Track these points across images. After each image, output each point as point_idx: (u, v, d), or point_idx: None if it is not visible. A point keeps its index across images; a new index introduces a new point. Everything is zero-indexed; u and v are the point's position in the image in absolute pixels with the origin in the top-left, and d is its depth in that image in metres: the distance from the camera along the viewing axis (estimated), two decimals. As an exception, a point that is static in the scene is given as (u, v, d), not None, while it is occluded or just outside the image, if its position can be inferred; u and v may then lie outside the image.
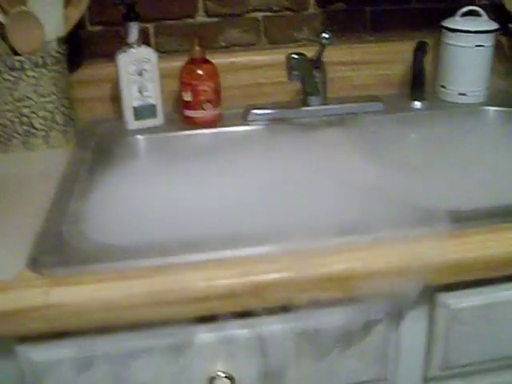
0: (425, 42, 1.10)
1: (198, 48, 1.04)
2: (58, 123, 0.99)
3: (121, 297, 0.65)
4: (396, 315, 0.73)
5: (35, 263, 0.69)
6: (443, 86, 1.14)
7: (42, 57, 0.95)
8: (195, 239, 0.72)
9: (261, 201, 0.86)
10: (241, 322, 0.70)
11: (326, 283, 0.68)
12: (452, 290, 0.73)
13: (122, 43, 1.03)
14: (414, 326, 0.75)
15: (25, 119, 0.96)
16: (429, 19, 1.17)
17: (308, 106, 1.09)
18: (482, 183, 0.90)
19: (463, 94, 1.13)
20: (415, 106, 1.12)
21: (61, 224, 0.77)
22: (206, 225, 0.80)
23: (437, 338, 0.75)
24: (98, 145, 1.01)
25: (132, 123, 1.05)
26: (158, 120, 1.07)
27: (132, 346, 0.69)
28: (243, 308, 0.68)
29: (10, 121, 0.96)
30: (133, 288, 0.66)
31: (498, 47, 1.14)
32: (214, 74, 1.05)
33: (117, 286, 0.66)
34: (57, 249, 0.72)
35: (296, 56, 0.96)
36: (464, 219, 0.74)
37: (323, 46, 1.02)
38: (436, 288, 0.73)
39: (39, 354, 0.68)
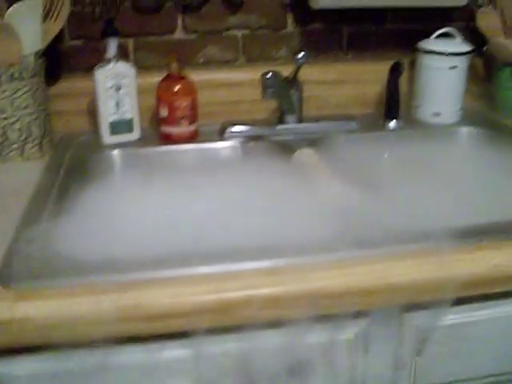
0: (400, 63, 1.11)
1: (174, 64, 1.04)
2: (33, 136, 0.98)
3: (87, 312, 0.64)
4: (364, 336, 0.73)
5: (1, 276, 0.68)
6: (418, 106, 1.16)
7: (19, 70, 0.94)
8: (166, 255, 0.72)
9: (233, 218, 0.86)
10: (210, 338, 0.69)
11: (297, 301, 0.67)
12: (420, 310, 0.73)
13: (101, 58, 1.03)
14: (382, 344, 0.75)
15: (0, 131, 0.96)
16: (405, 40, 1.18)
17: (284, 123, 1.10)
18: (453, 203, 0.90)
19: (437, 115, 1.14)
20: (389, 126, 1.13)
21: (31, 238, 0.76)
22: (178, 241, 0.79)
23: (405, 356, 0.75)
24: (73, 158, 1.00)
25: (108, 138, 1.05)
26: (135, 135, 1.07)
27: (98, 362, 0.68)
28: (210, 325, 0.67)
29: (-15, 133, 0.96)
30: (99, 303, 0.65)
31: (472, 69, 1.16)
32: (190, 90, 1.06)
33: (83, 301, 0.65)
34: (24, 263, 0.70)
35: (270, 75, 0.97)
36: (435, 238, 0.74)
37: (299, 66, 1.03)
38: (403, 307, 0.73)
39: (3, 368, 0.67)
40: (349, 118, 1.13)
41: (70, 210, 0.86)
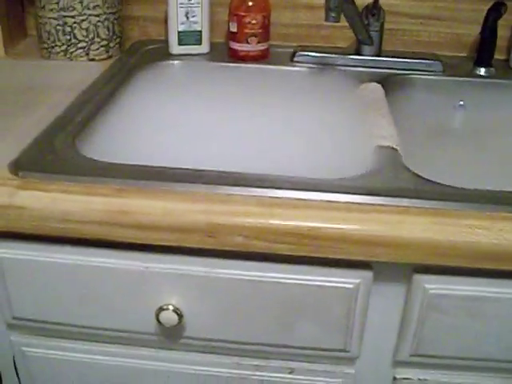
0: (502, 3, 0.94)
1: (250, -22, 0.96)
2: (100, 37, 0.96)
3: (79, 210, 0.62)
4: (365, 287, 0.64)
5: (15, 164, 0.67)
6: (517, 55, 0.99)
7: (90, -33, 0.91)
8: (171, 169, 0.67)
9: (270, 144, 0.79)
10: (198, 259, 0.65)
11: (288, 237, 0.60)
12: (432, 274, 0.63)
13: (182, -35, 0.97)
14: (386, 303, 0.66)
15: (68, 29, 0.94)
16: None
17: (360, 55, 0.99)
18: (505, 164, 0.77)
19: (537, 66, 0.97)
20: (479, 72, 0.98)
21: (60, 132, 0.74)
22: (201, 157, 0.74)
23: (410, 321, 0.65)
24: (137, 63, 0.97)
25: (175, 47, 1.00)
26: (203, 48, 1.01)
27: (86, 262, 0.66)
28: (197, 245, 0.62)
29: (55, 29, 0.94)
30: (92, 204, 0.62)
31: None
32: (264, 7, 0.97)
33: (77, 199, 0.62)
34: (41, 155, 0.69)
35: (336, -4, 0.85)
36: (461, 199, 0.63)
37: (378, -8, 0.91)
38: (414, 267, 0.63)
39: (1, 249, 0.67)
40: (433, 57, 0.99)
41: (113, 112, 0.84)
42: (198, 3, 0.97)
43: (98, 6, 0.93)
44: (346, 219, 0.60)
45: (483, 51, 0.97)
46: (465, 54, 1.05)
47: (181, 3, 0.96)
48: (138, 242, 0.63)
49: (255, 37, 0.98)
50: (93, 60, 0.97)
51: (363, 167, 0.70)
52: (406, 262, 0.61)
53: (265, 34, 0.99)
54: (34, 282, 0.68)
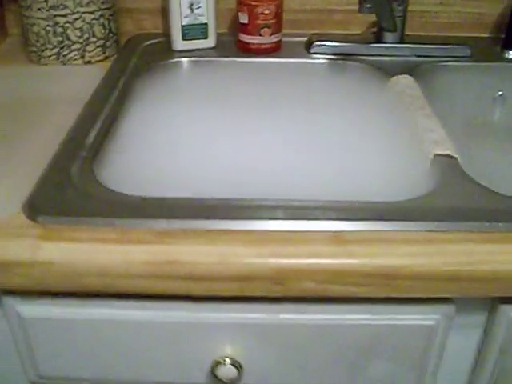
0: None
1: (260, -37, 0.84)
2: (96, 36, 0.84)
3: (117, 263, 0.52)
4: (446, 322, 0.57)
5: (31, 207, 0.56)
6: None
7: (81, -42, 0.79)
8: (221, 201, 0.57)
9: (303, 158, 0.69)
10: (259, 306, 0.56)
11: (364, 278, 0.52)
12: (519, 303, 0.56)
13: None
14: (463, 334, 0.59)
15: (59, 29, 0.81)
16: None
17: (381, 42, 0.89)
18: None
19: None
20: (508, 56, 0.90)
21: (72, 160, 0.63)
22: (239, 181, 0.64)
23: (491, 351, 0.59)
24: (139, 64, 0.85)
25: (179, 43, 0.88)
26: (209, 42, 0.90)
27: (128, 316, 0.56)
28: (261, 294, 0.53)
29: (44, 30, 0.81)
30: (133, 254, 0.52)
31: None
32: (276, -6, 0.86)
33: (114, 249, 0.52)
34: (60, 192, 0.58)
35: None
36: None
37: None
38: (500, 299, 0.56)
39: (26, 308, 0.56)
40: (460, 42, 0.90)
41: (124, 129, 0.73)
42: (204, -7, 0.85)
43: (91, 1, 0.81)
44: (428, 253, 0.52)
45: (511, 33, 0.89)
46: (487, 35, 0.97)
47: (184, -6, 0.85)
48: (190, 294, 0.53)
49: (268, 28, 0.87)
50: (89, 62, 0.85)
51: (422, 183, 0.62)
52: (497, 295, 0.54)
53: (278, 24, 0.88)
54: (66, 340, 0.58)
